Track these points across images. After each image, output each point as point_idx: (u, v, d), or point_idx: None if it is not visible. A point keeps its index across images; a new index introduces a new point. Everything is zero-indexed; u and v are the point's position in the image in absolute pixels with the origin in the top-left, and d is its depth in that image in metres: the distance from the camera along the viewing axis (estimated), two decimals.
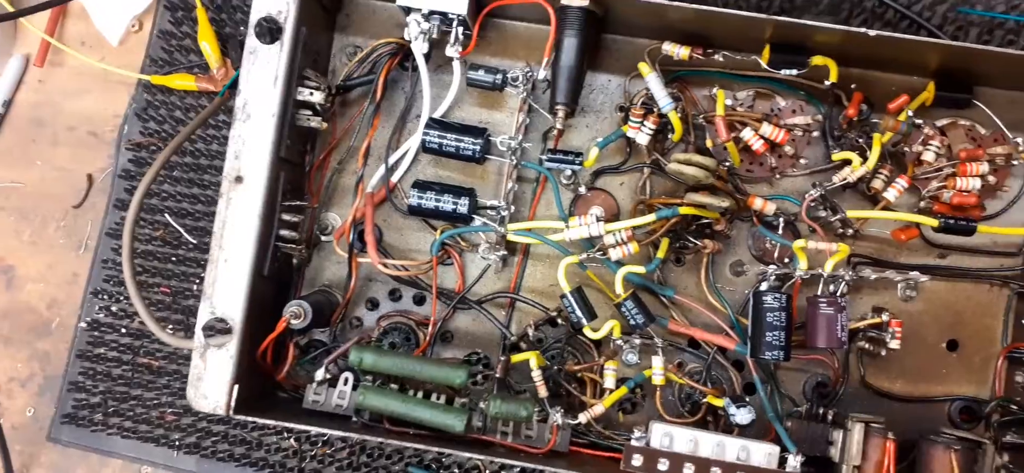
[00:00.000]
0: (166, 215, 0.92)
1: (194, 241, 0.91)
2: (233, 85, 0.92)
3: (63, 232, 0.98)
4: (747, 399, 0.72)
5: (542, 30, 0.74)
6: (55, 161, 0.99)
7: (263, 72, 0.66)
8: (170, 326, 0.92)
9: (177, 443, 0.94)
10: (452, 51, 0.72)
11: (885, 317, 0.71)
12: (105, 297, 0.93)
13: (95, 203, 0.97)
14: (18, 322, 0.96)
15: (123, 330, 0.93)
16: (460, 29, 0.71)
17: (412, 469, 0.90)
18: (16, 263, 0.97)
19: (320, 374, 0.69)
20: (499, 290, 0.77)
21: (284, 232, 0.70)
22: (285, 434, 0.94)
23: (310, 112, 0.69)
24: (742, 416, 0.69)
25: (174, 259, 0.91)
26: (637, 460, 0.65)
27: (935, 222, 0.69)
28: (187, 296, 0.92)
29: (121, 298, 0.93)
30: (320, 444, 0.94)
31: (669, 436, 0.66)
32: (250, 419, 0.67)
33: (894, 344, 0.71)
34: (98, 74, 0.98)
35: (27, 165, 1.00)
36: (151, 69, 0.94)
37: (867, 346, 0.73)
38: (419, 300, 0.78)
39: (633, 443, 0.66)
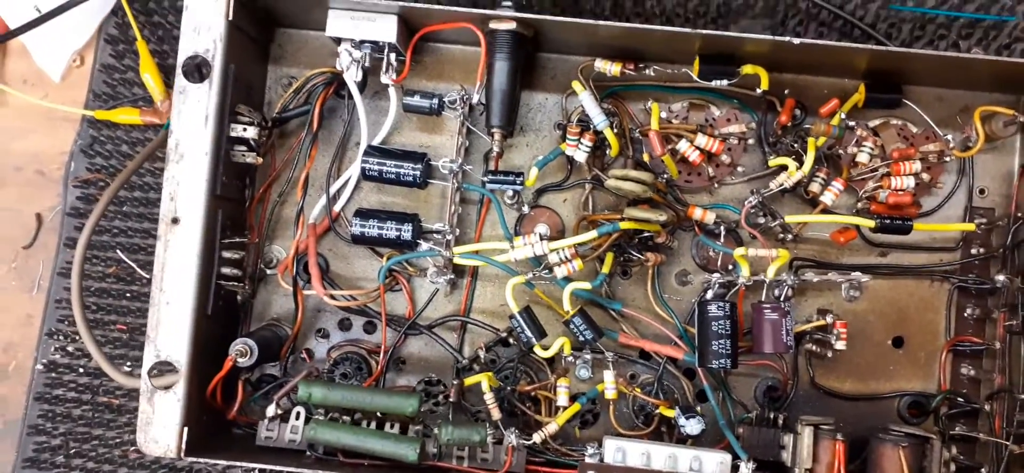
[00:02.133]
0: (119, 251, 0.91)
1: (148, 276, 0.91)
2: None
3: (15, 273, 0.96)
4: (698, 408, 0.72)
5: (476, 52, 0.74)
6: (3, 202, 0.98)
7: (194, 111, 0.65)
8: (128, 363, 0.91)
9: None
10: (386, 78, 0.72)
11: (830, 319, 0.72)
12: (61, 337, 0.92)
13: (46, 242, 0.95)
14: None
15: (81, 370, 0.92)
16: (392, 55, 0.71)
17: None
18: None
19: (271, 410, 0.69)
20: (449, 313, 0.77)
21: (226, 270, 0.70)
22: (249, 465, 0.93)
23: (245, 148, 0.69)
24: (691, 427, 0.69)
25: (129, 295, 0.90)
26: None
27: (872, 223, 0.70)
28: (144, 332, 0.91)
29: (77, 337, 0.92)
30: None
31: (622, 451, 0.67)
32: (203, 461, 0.66)
33: (840, 345, 0.72)
34: (42, 112, 0.97)
35: None
36: (95, 104, 0.93)
37: (814, 348, 0.74)
38: (370, 328, 0.78)
39: (587, 460, 0.67)
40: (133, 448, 0.96)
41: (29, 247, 0.96)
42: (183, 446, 0.65)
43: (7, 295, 0.95)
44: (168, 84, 0.91)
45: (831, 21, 0.84)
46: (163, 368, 0.65)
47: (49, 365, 0.92)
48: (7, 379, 0.95)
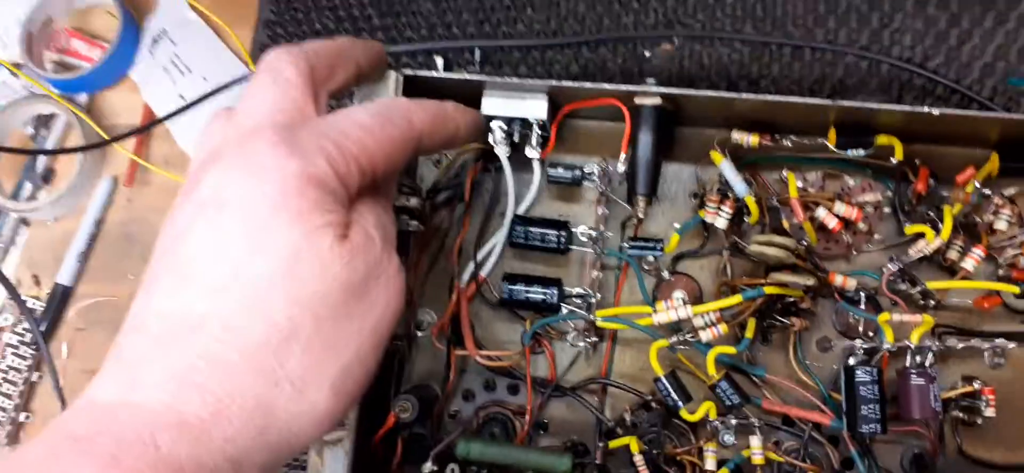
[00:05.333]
0: None
1: None
2: None
3: None
4: None
5: (612, 127, 0.79)
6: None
7: None
8: None
9: None
10: (532, 152, 0.77)
11: (977, 385, 0.72)
12: None
13: None
14: None
15: None
16: (539, 132, 0.76)
17: None
18: None
19: (427, 467, 0.71)
20: (590, 376, 0.79)
21: None
22: None
23: (407, 216, 0.74)
24: None
25: None
26: None
27: (1016, 289, 0.71)
28: None
29: None
30: None
31: None
32: None
33: (989, 412, 0.71)
34: None
35: (119, 279, 1.06)
36: None
37: (962, 415, 0.74)
38: (513, 390, 0.80)
39: None
40: None
41: None
42: None
43: None
44: None
45: (948, 96, 0.87)
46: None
47: None
48: None
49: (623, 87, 0.73)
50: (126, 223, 1.08)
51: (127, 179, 1.09)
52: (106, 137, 1.06)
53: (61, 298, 1.04)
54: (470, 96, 0.74)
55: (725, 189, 0.75)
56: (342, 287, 0.40)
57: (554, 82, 0.74)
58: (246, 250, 0.39)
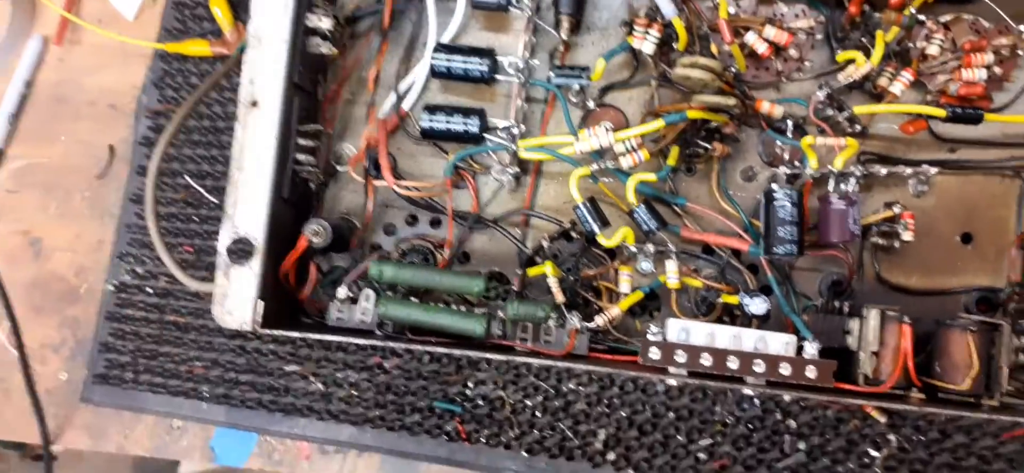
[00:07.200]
0: (186, 177, 0.94)
1: (216, 201, 0.94)
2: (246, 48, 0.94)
3: (87, 203, 1.00)
4: (763, 295, 0.72)
5: None
6: (78, 135, 1.02)
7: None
8: (194, 281, 0.94)
9: (206, 395, 0.96)
10: None
11: (897, 209, 0.72)
12: (131, 260, 0.95)
13: (118, 172, 0.99)
14: (48, 291, 0.99)
15: (149, 290, 0.95)
16: None
17: (438, 404, 0.91)
18: (44, 235, 1.00)
19: (342, 292, 0.70)
20: (513, 209, 0.78)
21: (301, 156, 0.72)
22: (311, 378, 0.95)
23: (320, 38, 0.71)
24: (757, 306, 0.69)
25: (196, 219, 0.93)
26: (655, 353, 0.66)
27: (942, 112, 0.70)
28: (210, 253, 0.95)
29: (146, 259, 0.96)
30: (346, 386, 0.95)
31: (686, 331, 0.67)
32: (277, 334, 0.68)
33: (907, 236, 0.71)
34: (116, 48, 1.01)
35: (51, 141, 1.03)
36: (166, 39, 0.97)
37: (880, 241, 0.73)
38: (435, 223, 0.79)
39: (650, 338, 0.67)
40: (199, 364, 0.99)
41: (102, 177, 0.99)
42: (258, 318, 0.67)
43: (80, 223, 0.99)
44: (236, 16, 0.95)
45: None
46: (240, 245, 0.67)
47: (119, 286, 0.96)
48: (79, 301, 0.98)
49: None
50: (57, 84, 1.04)
51: (57, 37, 1.05)
52: None
53: None
54: None
55: (654, 13, 0.73)
56: None
57: None
58: None
